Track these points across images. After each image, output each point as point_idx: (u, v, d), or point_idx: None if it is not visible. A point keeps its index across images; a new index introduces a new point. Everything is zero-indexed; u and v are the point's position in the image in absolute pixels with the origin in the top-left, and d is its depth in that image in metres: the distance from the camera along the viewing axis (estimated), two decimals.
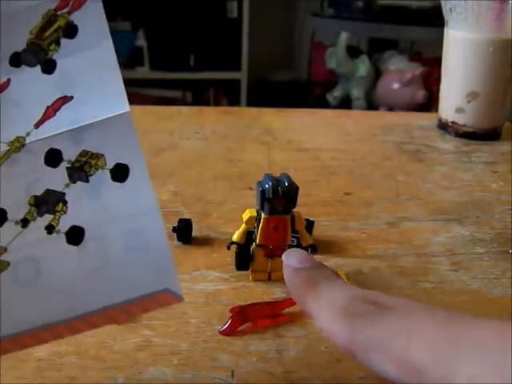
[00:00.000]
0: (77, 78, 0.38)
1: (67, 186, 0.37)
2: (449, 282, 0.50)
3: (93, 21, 0.38)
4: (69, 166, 0.37)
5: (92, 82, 0.38)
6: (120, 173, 0.36)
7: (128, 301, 0.35)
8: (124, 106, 0.37)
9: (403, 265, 0.53)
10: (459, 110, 0.86)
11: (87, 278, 0.36)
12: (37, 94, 0.38)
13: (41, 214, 0.36)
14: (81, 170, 0.37)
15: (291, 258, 0.36)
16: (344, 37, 2.64)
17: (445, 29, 0.87)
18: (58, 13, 0.37)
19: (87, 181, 0.37)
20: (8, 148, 0.37)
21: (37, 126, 0.37)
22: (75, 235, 0.36)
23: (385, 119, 1.00)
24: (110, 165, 0.37)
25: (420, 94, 2.42)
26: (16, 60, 0.37)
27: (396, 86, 2.51)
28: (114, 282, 0.36)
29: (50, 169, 0.37)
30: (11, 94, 0.37)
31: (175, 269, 0.36)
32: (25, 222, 0.36)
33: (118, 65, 0.37)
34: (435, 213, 0.64)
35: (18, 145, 0.37)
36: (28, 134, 0.37)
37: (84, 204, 0.37)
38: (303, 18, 3.22)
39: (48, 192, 0.37)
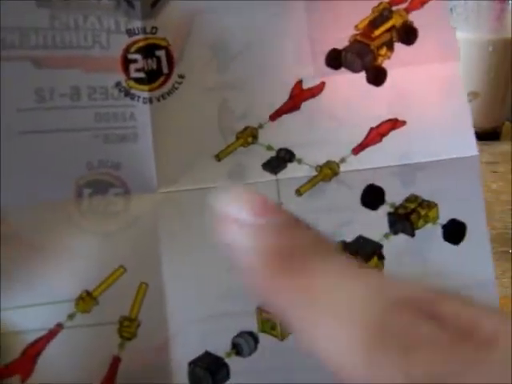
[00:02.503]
0: (412, 99, 0.30)
1: (386, 236, 0.29)
2: None
3: (437, 26, 0.30)
4: (391, 211, 0.29)
5: (432, 107, 0.30)
6: (455, 231, 0.29)
7: None
8: (472, 148, 0.29)
9: None
10: None
11: None
12: (359, 110, 0.30)
13: None
14: (406, 220, 0.29)
15: (231, 203, 0.17)
16: None
17: None
18: (394, 8, 0.29)
19: (412, 235, 0.29)
20: (316, 174, 0.29)
21: (356, 151, 0.29)
22: None
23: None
24: (444, 219, 0.29)
25: None
26: (335, 59, 0.30)
27: None
28: None
29: (366, 210, 0.29)
30: (324, 103, 0.29)
31: None
32: None
33: (466, 93, 0.29)
34: None
35: (329, 172, 0.29)
36: (343, 160, 0.29)
37: (405, 263, 0.29)
38: None
39: (361, 239, 0.29)
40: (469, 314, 0.14)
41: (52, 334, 0.28)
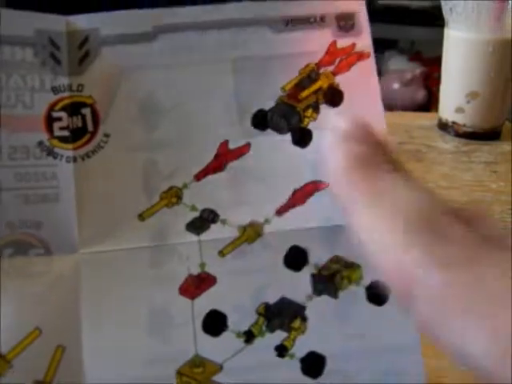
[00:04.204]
0: None
1: (309, 298, 0.29)
2: None
3: (363, 88, 0.30)
4: (315, 272, 0.29)
5: None
6: (378, 293, 0.28)
7: None
8: None
9: None
10: (459, 110, 0.85)
11: None
12: (283, 171, 0.29)
13: (272, 330, 0.29)
14: (329, 281, 0.29)
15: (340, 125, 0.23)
16: None
17: (445, 29, 0.86)
18: (321, 70, 0.29)
19: (336, 296, 0.29)
20: (239, 235, 0.29)
21: (279, 212, 0.29)
22: (314, 364, 0.28)
23: (385, 119, 0.98)
24: (367, 281, 0.29)
25: (420, 94, 2.38)
26: (261, 120, 0.29)
27: (396, 86, 2.47)
28: None
29: (289, 272, 0.29)
30: (249, 164, 0.29)
31: None
32: (249, 336, 0.28)
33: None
34: None
35: (253, 233, 0.29)
36: (267, 221, 0.29)
37: (328, 326, 0.29)
38: None
39: (284, 301, 0.29)
40: (497, 230, 0.18)
41: None
